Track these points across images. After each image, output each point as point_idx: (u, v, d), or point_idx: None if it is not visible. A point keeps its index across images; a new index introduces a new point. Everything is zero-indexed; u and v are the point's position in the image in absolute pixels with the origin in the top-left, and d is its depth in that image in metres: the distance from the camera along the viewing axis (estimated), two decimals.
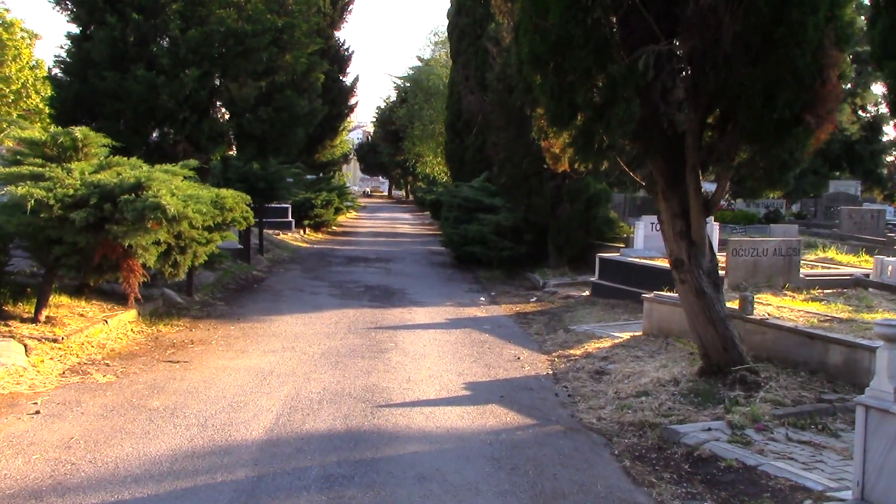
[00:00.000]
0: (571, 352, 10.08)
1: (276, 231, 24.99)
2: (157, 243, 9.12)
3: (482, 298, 15.04)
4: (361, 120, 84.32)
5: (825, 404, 7.19)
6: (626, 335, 10.60)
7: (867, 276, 12.09)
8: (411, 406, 7.52)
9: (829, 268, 13.60)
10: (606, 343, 10.26)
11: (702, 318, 7.77)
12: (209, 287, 14.00)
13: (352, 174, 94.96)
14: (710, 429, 6.62)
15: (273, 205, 24.74)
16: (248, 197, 11.50)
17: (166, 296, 12.18)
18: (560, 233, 16.98)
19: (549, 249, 17.71)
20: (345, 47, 30.40)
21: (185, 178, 10.78)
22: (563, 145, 7.99)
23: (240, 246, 17.41)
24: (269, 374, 8.41)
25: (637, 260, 13.79)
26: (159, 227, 8.42)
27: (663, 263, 13.36)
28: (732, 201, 28.94)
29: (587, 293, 14.93)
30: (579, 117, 7.43)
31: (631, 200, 23.95)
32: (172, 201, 8.28)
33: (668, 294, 9.98)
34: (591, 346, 10.19)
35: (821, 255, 15.40)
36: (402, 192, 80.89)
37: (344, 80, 30.56)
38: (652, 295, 10.17)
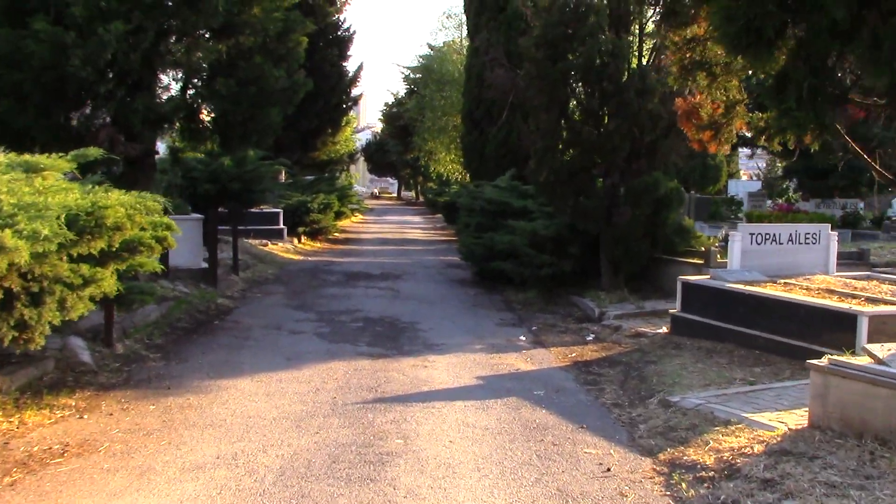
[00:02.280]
0: (691, 455, 6.11)
1: (264, 241, 21.10)
2: None
3: (522, 337, 11.11)
4: (370, 121, 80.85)
5: None
6: (770, 419, 6.66)
7: None
8: None
9: None
10: (745, 438, 6.30)
11: None
12: (147, 328, 10.14)
13: (360, 175, 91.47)
14: None
15: (259, 210, 20.93)
16: (160, 204, 7.49)
17: (69, 350, 8.31)
18: (617, 244, 13.04)
19: (601, 266, 13.77)
20: (345, 27, 26.53)
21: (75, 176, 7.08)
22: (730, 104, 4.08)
23: (203, 265, 13.54)
24: None
25: (745, 288, 9.81)
26: None
27: (797, 295, 9.41)
28: (796, 200, 24.95)
29: (664, 330, 10.99)
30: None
31: (697, 201, 19.96)
32: None
33: (861, 363, 6.04)
34: (723, 444, 6.22)
35: None
36: (412, 194, 77.24)
37: (345, 65, 26.69)
38: (825, 363, 6.17)
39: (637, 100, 12.15)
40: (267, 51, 10.99)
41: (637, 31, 13.05)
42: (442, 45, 35.01)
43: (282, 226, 22.88)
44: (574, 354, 10.11)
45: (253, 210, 21.85)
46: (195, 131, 10.88)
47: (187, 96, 10.56)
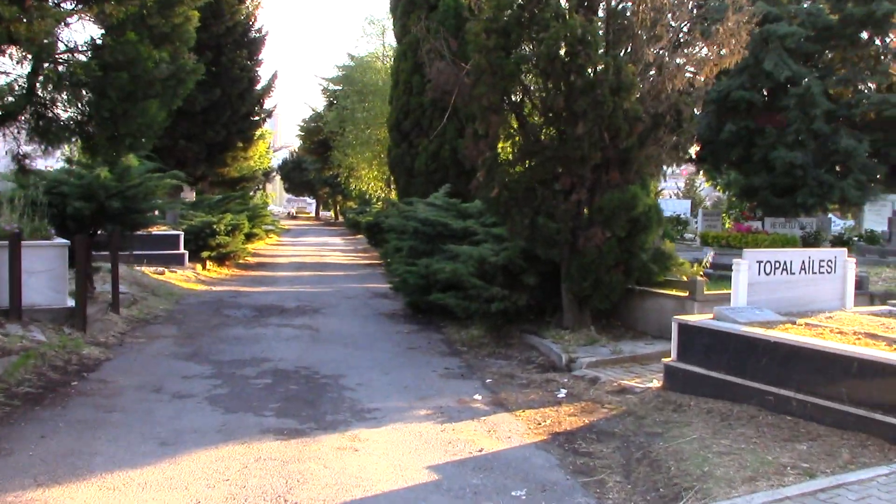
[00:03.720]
0: None
1: (161, 268, 18.22)
2: None
3: (477, 396, 8.67)
4: (287, 141, 78.00)
5: None
6: None
7: None
8: None
9: None
10: None
11: None
12: None
13: (277, 194, 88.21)
14: None
15: (154, 232, 18.07)
16: None
17: None
18: (585, 274, 10.75)
19: (563, 300, 11.47)
20: (256, 27, 23.79)
21: None
22: None
23: (70, 303, 10.71)
24: None
25: (769, 334, 7.57)
26: None
27: (842, 344, 7.18)
28: (743, 220, 23.23)
29: (656, 384, 8.71)
30: None
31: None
32: None
33: None
34: None
35: None
36: (331, 213, 74.49)
37: (257, 70, 23.96)
38: None
39: (612, 98, 9.92)
40: (145, 26, 8.36)
41: (604, 13, 10.85)
42: (365, 54, 32.54)
43: (182, 250, 19.99)
44: (549, 422, 7.73)
45: (148, 233, 18.97)
46: (47, 131, 8.16)
47: (36, 84, 7.85)
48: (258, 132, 31.46)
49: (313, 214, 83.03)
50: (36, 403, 7.58)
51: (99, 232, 12.91)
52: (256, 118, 28.11)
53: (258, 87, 25.52)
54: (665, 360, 8.66)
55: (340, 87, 36.23)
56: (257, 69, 23.92)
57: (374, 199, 35.60)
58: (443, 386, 9.13)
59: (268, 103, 27.74)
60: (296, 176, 67.91)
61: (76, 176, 12.26)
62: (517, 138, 11.01)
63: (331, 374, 9.45)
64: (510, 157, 11.16)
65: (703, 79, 10.98)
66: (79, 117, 8.31)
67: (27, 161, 9.20)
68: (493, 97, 10.80)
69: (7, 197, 11.36)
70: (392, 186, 32.49)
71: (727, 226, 23.17)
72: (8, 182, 11.87)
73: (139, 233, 16.73)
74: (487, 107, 10.86)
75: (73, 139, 8.35)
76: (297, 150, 69.08)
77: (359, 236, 42.39)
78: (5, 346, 8.76)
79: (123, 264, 16.37)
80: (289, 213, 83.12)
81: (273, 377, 9.19)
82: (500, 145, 11.38)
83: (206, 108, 21.66)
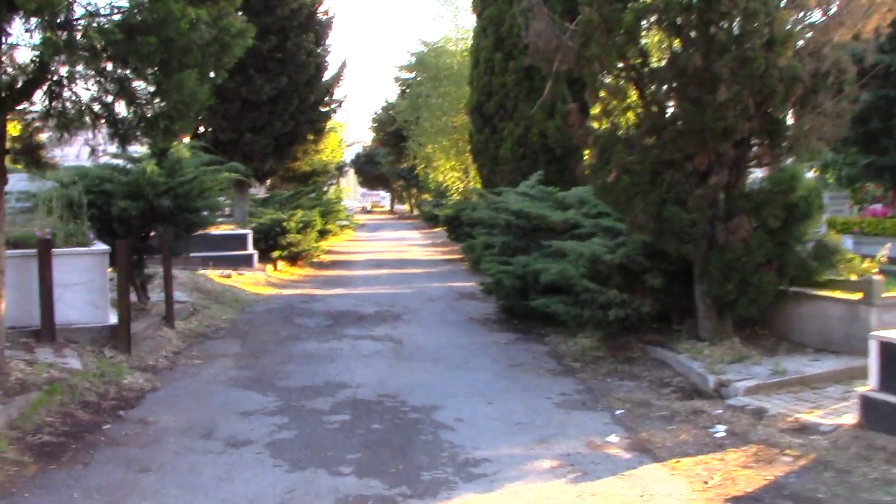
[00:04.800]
0: None
1: (228, 271, 16.72)
2: None
3: (612, 438, 6.71)
4: (357, 137, 76.85)
5: None
6: None
7: None
8: None
9: None
10: None
11: None
12: None
13: (350, 189, 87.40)
14: None
15: (218, 232, 16.58)
16: None
17: None
18: (727, 274, 8.68)
19: (696, 305, 9.42)
20: (321, 9, 22.11)
21: None
22: None
23: (112, 320, 9.10)
24: None
25: None
26: None
27: None
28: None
29: (851, 421, 6.62)
30: None
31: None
32: None
33: None
34: None
35: None
36: (406, 207, 73.08)
37: (324, 56, 22.30)
38: None
39: (764, 54, 7.84)
40: None
41: None
42: (438, 39, 30.65)
43: (251, 250, 18.48)
44: (717, 478, 5.74)
45: (211, 233, 17.51)
46: (62, 114, 6.53)
47: (51, 59, 6.21)
48: (329, 124, 29.83)
49: (388, 208, 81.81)
50: (52, 460, 5.93)
51: (151, 235, 11.35)
52: (326, 109, 26.42)
53: (327, 75, 23.87)
54: (861, 389, 6.58)
55: (413, 75, 34.47)
56: (325, 55, 22.28)
57: (452, 191, 33.76)
58: (563, 420, 7.21)
59: (338, 93, 26.02)
60: (369, 169, 66.64)
61: (121, 171, 10.72)
62: (638, 110, 8.97)
63: (422, 406, 7.62)
64: (630, 134, 9.14)
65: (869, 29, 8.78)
66: (102, 96, 6.65)
67: (45, 154, 7.56)
68: (606, 60, 8.81)
69: (43, 198, 9.86)
70: (471, 176, 30.64)
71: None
72: (46, 181, 10.36)
73: (203, 233, 15.26)
74: (600, 72, 8.87)
75: (96, 124, 6.71)
76: (369, 143, 67.86)
77: (436, 230, 40.70)
78: (27, 379, 7.17)
79: (185, 269, 14.91)
80: (363, 208, 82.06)
81: (351, 411, 7.41)
82: (615, 120, 9.38)
83: (273, 98, 20.09)
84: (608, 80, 8.90)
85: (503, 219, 12.89)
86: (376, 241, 35.30)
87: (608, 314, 9.49)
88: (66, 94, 6.74)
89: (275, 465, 5.89)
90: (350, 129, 74.73)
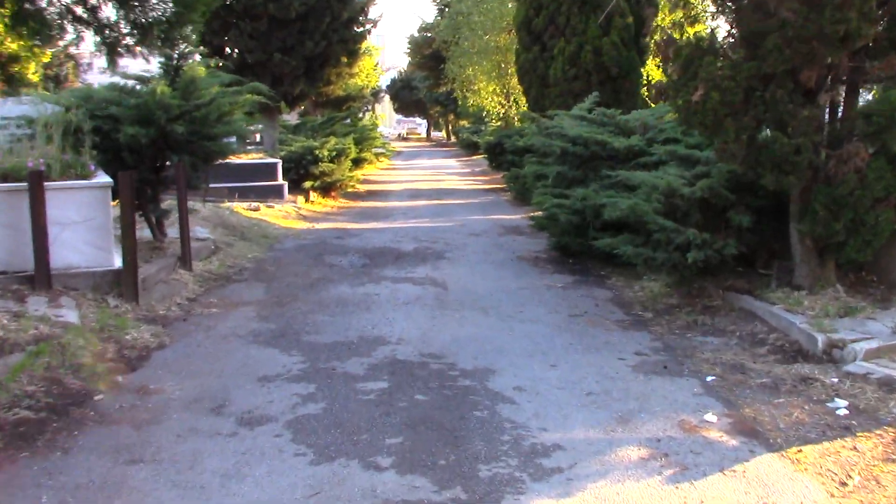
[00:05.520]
0: None
1: (256, 203, 15.58)
2: None
3: (710, 417, 5.44)
4: (394, 63, 74.72)
5: None
6: None
7: None
8: None
9: None
10: None
11: None
12: None
13: (386, 116, 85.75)
14: None
15: (245, 160, 15.41)
16: None
17: None
18: (836, 211, 7.28)
19: (794, 247, 8.04)
20: None
21: None
22: None
23: (117, 264, 7.96)
24: None
25: None
26: None
27: None
28: None
29: None
30: None
31: None
32: None
33: None
34: None
35: None
36: (443, 134, 71.50)
37: None
38: None
39: None
40: None
41: None
42: None
43: (281, 181, 17.29)
44: (857, 478, 4.50)
45: (240, 162, 16.33)
46: (35, 16, 5.25)
47: None
48: (363, 45, 28.29)
49: (424, 135, 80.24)
50: (25, 444, 4.83)
51: (167, 165, 10.16)
52: (361, 29, 24.84)
53: None
54: None
55: None
56: None
57: (493, 117, 32.15)
58: (644, 390, 5.96)
59: (373, 12, 24.45)
60: (405, 95, 64.84)
61: (130, 93, 9.47)
62: (731, 13, 7.46)
63: (473, 370, 6.42)
64: (719, 44, 7.65)
65: None
66: None
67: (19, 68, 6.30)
68: None
69: (42, 124, 8.67)
70: (512, 101, 29.01)
71: None
72: (48, 105, 9.15)
73: (227, 162, 14.10)
74: None
75: (79, 31, 5.45)
76: (405, 69, 65.97)
77: (475, 157, 39.27)
78: (10, 337, 6.07)
79: (209, 202, 13.78)
80: (399, 135, 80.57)
81: (389, 376, 6.23)
82: (699, 28, 7.87)
83: (303, 15, 18.60)
84: None
85: (558, 146, 11.49)
86: (413, 169, 33.97)
87: (687, 257, 8.15)
88: None
89: (296, 454, 4.74)
90: (386, 54, 72.78)
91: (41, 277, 7.47)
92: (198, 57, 10.07)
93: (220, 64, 12.00)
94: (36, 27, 5.30)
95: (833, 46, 6.79)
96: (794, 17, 6.75)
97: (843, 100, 7.22)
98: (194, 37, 8.64)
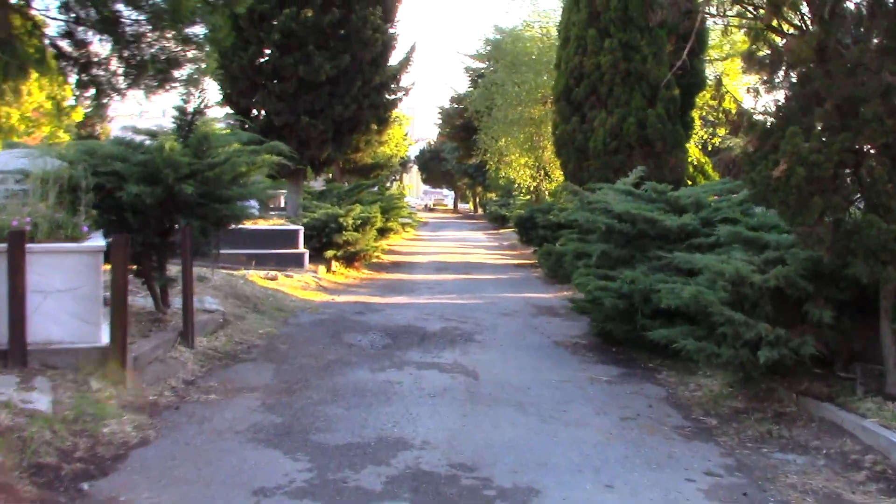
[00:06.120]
0: None
1: (274, 271, 14.65)
2: None
3: None
4: (424, 134, 74.93)
5: None
6: None
7: None
8: None
9: None
10: None
11: None
12: None
13: (413, 186, 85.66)
14: None
15: (264, 227, 14.57)
16: None
17: None
18: None
19: (887, 349, 6.90)
20: None
21: None
22: None
23: (103, 340, 6.96)
24: None
25: None
26: None
27: None
28: None
29: None
30: None
31: None
32: None
33: None
34: None
35: None
36: (470, 206, 71.04)
37: (391, 31, 20.05)
38: None
39: None
40: None
41: None
42: (516, 24, 28.18)
43: (301, 249, 16.38)
44: None
45: (259, 227, 15.49)
46: (12, 50, 4.39)
47: None
48: (394, 114, 27.75)
49: (451, 207, 79.84)
50: None
51: (176, 228, 9.25)
52: (392, 97, 24.27)
53: (394, 59, 21.68)
54: None
55: (486, 64, 32.07)
56: (393, 33, 20.04)
57: (523, 191, 31.36)
58: None
59: (405, 80, 23.84)
60: (433, 166, 64.56)
61: (137, 149, 8.62)
62: (820, 78, 6.49)
63: (512, 488, 5.31)
64: (804, 111, 6.67)
65: None
66: (73, 29, 4.52)
67: None
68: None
69: (36, 178, 7.81)
70: (544, 175, 28.24)
71: None
72: (48, 157, 8.30)
73: (248, 228, 13.26)
74: (767, 22, 6.44)
75: (63, 68, 4.60)
76: (434, 140, 65.89)
77: (502, 231, 38.44)
78: None
79: (224, 269, 12.87)
80: (426, 206, 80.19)
81: (412, 494, 5.12)
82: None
83: (333, 78, 17.92)
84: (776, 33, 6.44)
85: (602, 222, 10.48)
86: (439, 241, 33.10)
87: (758, 355, 7.04)
88: (18, 21, 4.58)
89: None
90: (416, 124, 72.86)
91: (16, 353, 6.49)
92: (215, 112, 9.28)
93: (243, 123, 11.17)
94: (12, 61, 4.48)
95: None
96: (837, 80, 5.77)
97: None
98: (207, 85, 7.84)
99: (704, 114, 20.51)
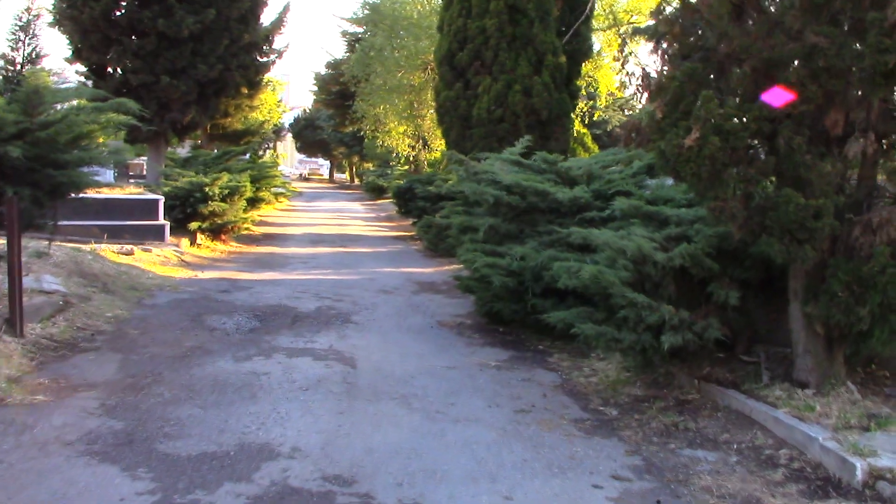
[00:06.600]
0: None
1: (129, 245, 13.30)
2: None
3: None
4: (299, 103, 72.89)
5: None
6: None
7: None
8: None
9: None
10: None
11: None
12: None
13: (288, 155, 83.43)
14: None
15: (119, 196, 13.22)
16: None
17: None
18: (861, 292, 5.72)
19: (796, 333, 6.45)
20: None
21: None
22: None
23: None
24: None
25: None
26: None
27: None
28: None
29: None
30: None
31: None
32: None
33: None
34: None
35: None
36: (346, 176, 69.68)
37: None
38: None
39: None
40: None
41: None
42: None
43: (162, 220, 15.01)
44: None
45: (113, 197, 14.08)
46: None
47: None
48: (266, 78, 26.36)
49: (327, 177, 78.11)
50: None
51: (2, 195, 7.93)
52: (264, 59, 22.94)
53: (265, 18, 20.35)
54: None
55: (364, 28, 30.88)
56: None
57: (401, 160, 30.51)
58: None
59: (278, 42, 22.52)
60: (309, 134, 62.62)
61: None
62: (738, 37, 5.88)
63: None
64: (721, 75, 6.08)
65: None
66: None
67: None
68: None
69: None
70: (423, 145, 27.47)
71: None
72: None
73: (95, 196, 11.90)
74: None
75: None
76: (309, 108, 64.07)
77: (379, 202, 37.52)
78: None
79: (71, 243, 11.52)
80: (300, 175, 78.28)
81: None
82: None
83: (197, 35, 16.49)
84: None
85: (491, 195, 9.76)
86: (315, 211, 31.89)
87: (662, 341, 6.48)
88: None
89: None
90: (290, 91, 70.69)
91: None
92: (55, 65, 7.99)
93: (89, 79, 9.83)
94: None
95: (873, 83, 5.27)
96: (826, 43, 5.21)
97: (875, 151, 5.70)
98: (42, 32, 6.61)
99: (586, 84, 20.18)
